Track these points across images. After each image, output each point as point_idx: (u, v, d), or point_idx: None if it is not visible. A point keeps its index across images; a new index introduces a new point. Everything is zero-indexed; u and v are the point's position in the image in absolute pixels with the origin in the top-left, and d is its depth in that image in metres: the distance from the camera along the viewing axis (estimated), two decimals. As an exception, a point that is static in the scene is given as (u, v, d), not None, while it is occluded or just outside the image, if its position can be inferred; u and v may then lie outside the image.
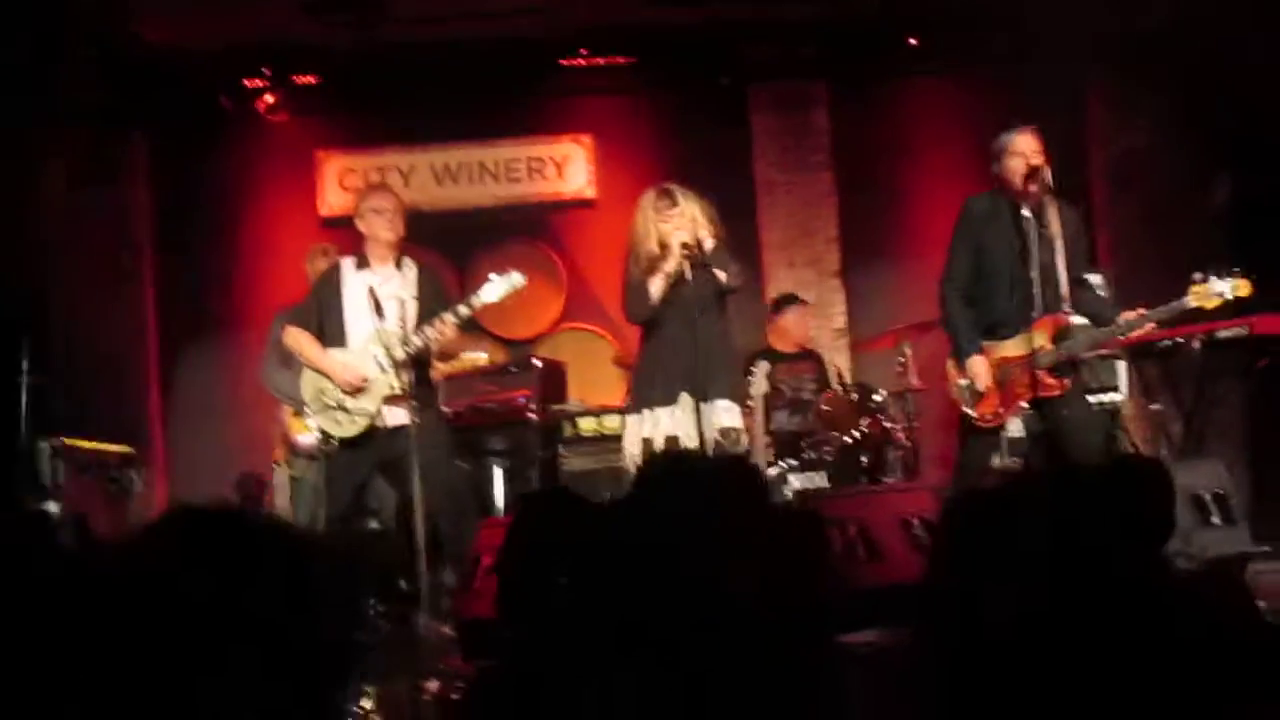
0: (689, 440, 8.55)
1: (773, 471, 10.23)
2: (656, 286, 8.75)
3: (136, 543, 2.23)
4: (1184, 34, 12.17)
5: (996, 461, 9.17)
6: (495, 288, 8.95)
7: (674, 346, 8.77)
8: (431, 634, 7.81)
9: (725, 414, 8.90)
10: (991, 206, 8.72)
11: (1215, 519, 8.44)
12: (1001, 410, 8.74)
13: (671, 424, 8.74)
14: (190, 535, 2.20)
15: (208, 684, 2.11)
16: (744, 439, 9.02)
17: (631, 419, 9.03)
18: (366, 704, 5.78)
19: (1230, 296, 8.49)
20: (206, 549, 2.18)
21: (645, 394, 8.96)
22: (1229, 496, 8.59)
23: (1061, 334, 8.52)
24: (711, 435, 8.74)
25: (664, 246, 8.80)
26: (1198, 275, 8.48)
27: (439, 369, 9.96)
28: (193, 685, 2.10)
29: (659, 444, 8.69)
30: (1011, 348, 8.59)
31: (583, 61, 12.99)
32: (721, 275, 8.85)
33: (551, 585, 3.94)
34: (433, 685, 6.24)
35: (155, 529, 2.24)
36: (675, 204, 8.86)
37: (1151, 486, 4.35)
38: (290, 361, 9.90)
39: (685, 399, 8.72)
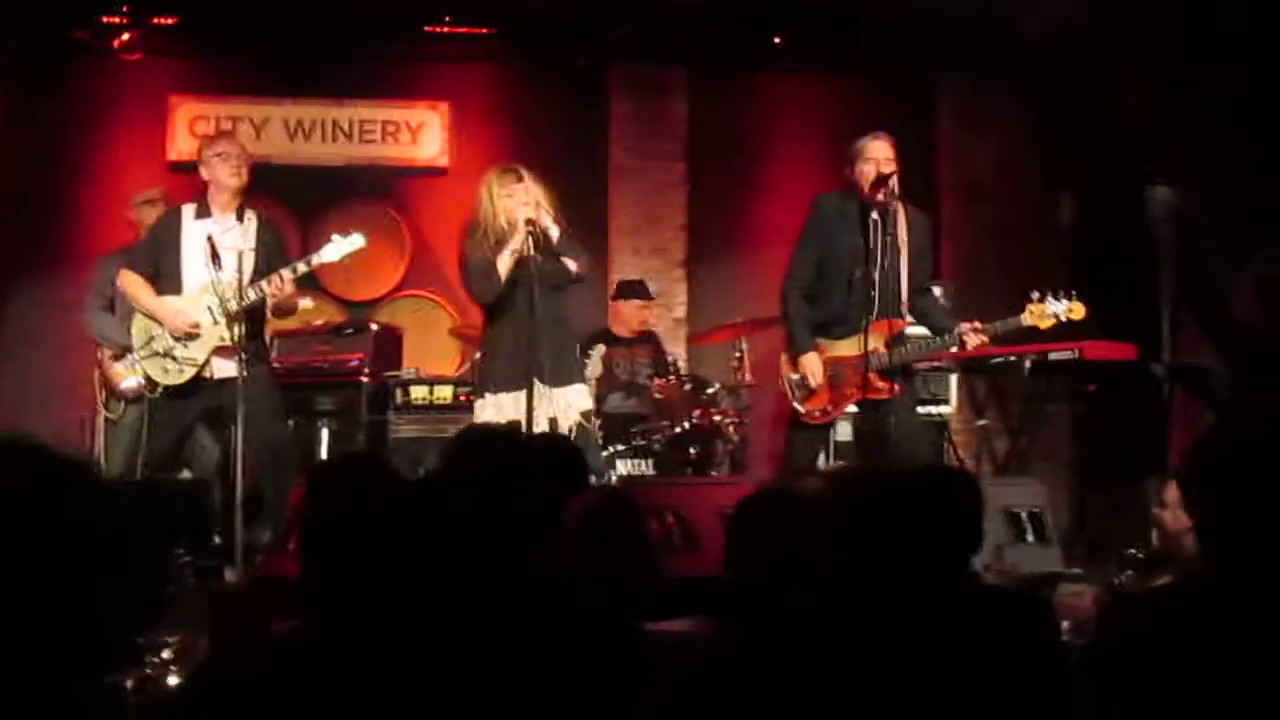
0: (536, 425, 8.51)
1: (602, 453, 10.21)
2: (504, 264, 8.68)
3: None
4: (1039, 54, 12.32)
5: (822, 461, 9.26)
6: (336, 248, 8.91)
7: (519, 330, 8.69)
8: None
9: (577, 397, 8.91)
10: (840, 206, 8.81)
11: (1029, 537, 8.55)
12: (830, 408, 8.84)
13: (515, 409, 8.68)
14: None
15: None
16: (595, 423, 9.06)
17: (478, 403, 8.96)
18: (166, 654, 5.70)
19: (1064, 318, 8.69)
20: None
21: (491, 378, 8.90)
22: (1044, 515, 8.71)
23: (896, 339, 8.62)
24: (569, 420, 8.74)
25: (510, 224, 8.73)
26: (1034, 294, 8.65)
27: (273, 324, 9.87)
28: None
29: None
30: (845, 348, 8.69)
31: (446, 28, 12.87)
32: (571, 265, 8.81)
33: (350, 548, 3.89)
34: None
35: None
36: (520, 180, 8.80)
37: (959, 494, 4.37)
38: (113, 305, 9.77)
39: (535, 383, 8.66)
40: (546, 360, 8.60)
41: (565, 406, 8.79)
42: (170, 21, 12.63)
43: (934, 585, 4.24)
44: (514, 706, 3.77)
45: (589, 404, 9.09)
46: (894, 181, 8.54)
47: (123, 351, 9.46)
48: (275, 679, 3.59)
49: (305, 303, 10.58)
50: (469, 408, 10.16)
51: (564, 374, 8.87)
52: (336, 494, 4.02)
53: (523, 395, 8.60)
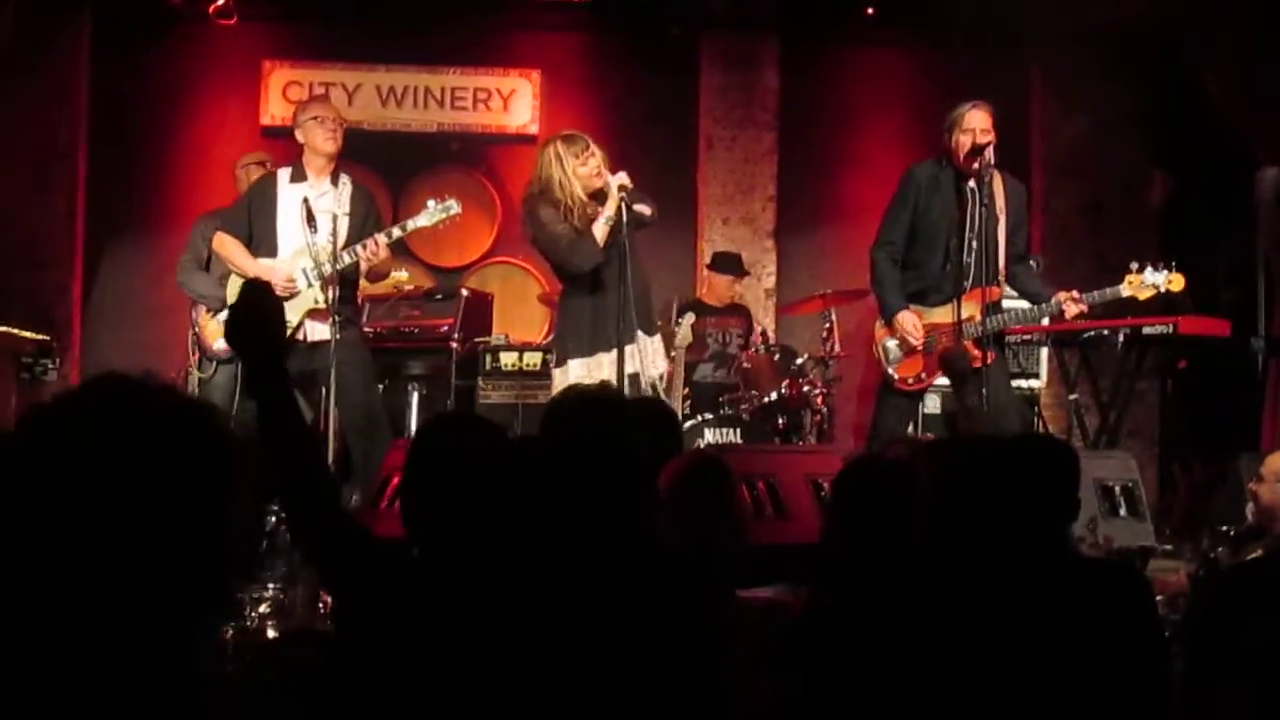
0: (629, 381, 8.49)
1: (688, 424, 10.20)
2: (600, 232, 8.61)
3: (57, 405, 2.19)
4: (1133, 30, 12.23)
5: (910, 430, 9.24)
6: (431, 214, 8.94)
7: (608, 293, 8.65)
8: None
9: (659, 353, 8.92)
10: (935, 175, 8.77)
11: (1122, 511, 8.51)
12: (924, 375, 8.82)
13: (602, 372, 8.65)
14: (118, 401, 2.17)
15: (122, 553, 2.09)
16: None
17: (559, 370, 8.92)
18: (263, 608, 5.76)
19: (1163, 289, 8.65)
20: (135, 416, 2.15)
21: (577, 343, 8.85)
22: (1137, 489, 8.67)
23: (992, 307, 8.57)
24: (652, 373, 8.73)
25: (590, 193, 8.69)
26: (1134, 264, 8.62)
27: (366, 289, 9.91)
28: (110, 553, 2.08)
29: None
30: (939, 315, 8.66)
31: (540, -4, 12.91)
32: (645, 210, 8.76)
33: (456, 505, 3.92)
34: (329, 598, 6.22)
35: (79, 394, 2.20)
36: (588, 147, 8.76)
37: (1056, 464, 4.37)
38: (208, 265, 9.84)
39: (639, 336, 8.64)
40: (639, 312, 8.59)
41: (652, 355, 8.79)
42: (266, -13, 12.70)
43: (1032, 554, 4.23)
44: (613, 663, 3.80)
45: (664, 365, 9.07)
46: (990, 152, 8.48)
47: (220, 307, 9.51)
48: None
49: (401, 274, 10.64)
50: (558, 373, 10.21)
51: (651, 323, 8.89)
52: (441, 451, 4.03)
53: (611, 357, 8.58)
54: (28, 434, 2.16)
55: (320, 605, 6.21)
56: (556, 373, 8.95)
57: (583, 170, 8.67)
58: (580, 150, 8.71)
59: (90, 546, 2.06)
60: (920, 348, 8.73)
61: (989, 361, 8.54)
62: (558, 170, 8.68)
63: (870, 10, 12.91)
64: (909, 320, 8.73)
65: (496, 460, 3.94)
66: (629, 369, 8.49)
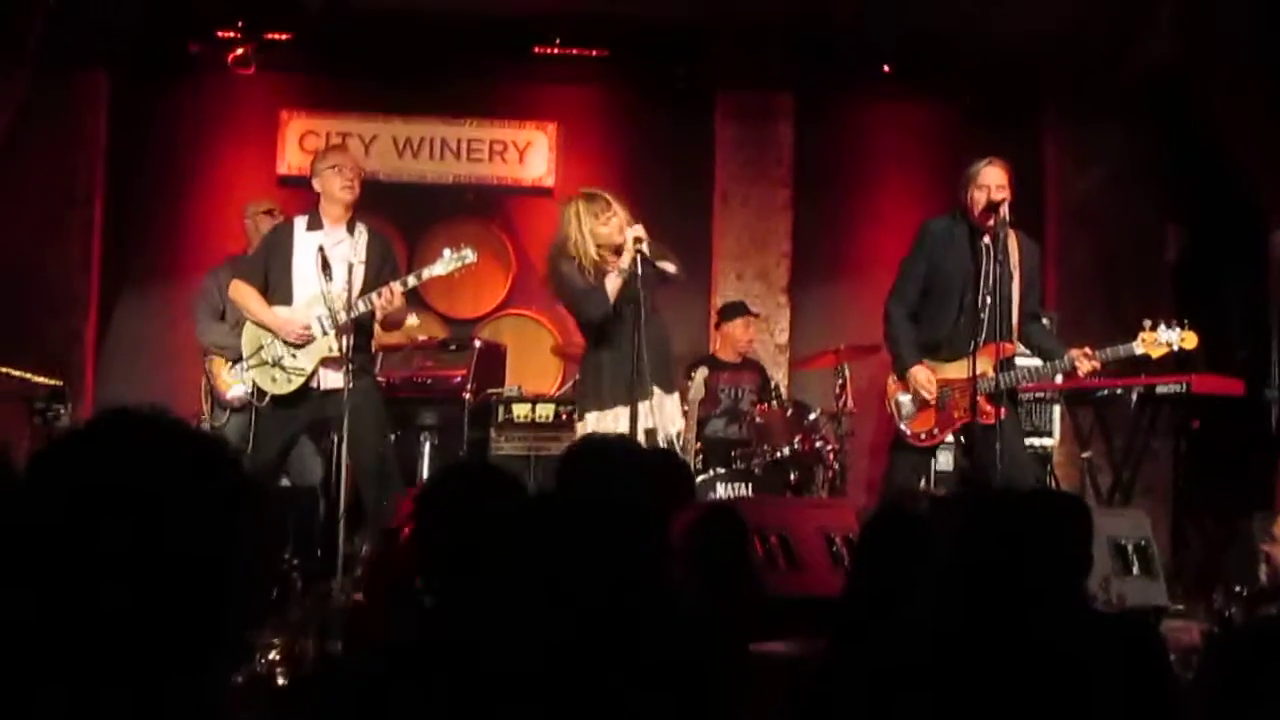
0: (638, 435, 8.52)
1: (699, 478, 10.19)
2: (613, 286, 8.66)
3: (70, 440, 2.19)
4: (1148, 86, 12.27)
5: (923, 486, 9.23)
6: (447, 262, 8.96)
7: (625, 346, 8.68)
8: (344, 597, 7.77)
9: (675, 409, 8.96)
10: (950, 229, 8.77)
11: (1135, 569, 8.47)
12: (936, 431, 8.80)
13: (620, 425, 8.67)
14: (132, 434, 2.16)
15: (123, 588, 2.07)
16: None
17: (591, 416, 8.94)
18: (273, 655, 5.74)
19: (1177, 347, 8.64)
20: (150, 448, 2.14)
21: (596, 395, 8.89)
22: (1150, 548, 8.64)
23: (1005, 363, 8.56)
24: (668, 431, 8.76)
25: (604, 249, 8.74)
26: (1147, 322, 8.62)
27: (380, 338, 9.93)
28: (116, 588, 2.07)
29: None
30: (953, 370, 8.65)
31: (556, 49, 12.92)
32: (670, 267, 8.81)
33: (470, 553, 3.93)
34: (340, 645, 6.22)
35: (90, 428, 2.20)
36: (609, 206, 8.81)
37: (1069, 519, 4.36)
38: (224, 314, 9.88)
39: (656, 392, 8.68)
40: (655, 368, 8.62)
41: (669, 415, 8.82)
42: (284, 38, 12.73)
43: (1048, 609, 4.22)
44: (626, 713, 3.78)
45: (682, 422, 9.11)
46: (1005, 209, 8.48)
47: (236, 357, 9.56)
48: (399, 679, 3.62)
49: (412, 320, 10.66)
50: (570, 425, 10.23)
51: (668, 382, 8.93)
52: (452, 503, 4.04)
53: (627, 411, 8.61)
54: (41, 469, 2.15)
55: (332, 651, 6.20)
56: (578, 426, 9.02)
57: (603, 230, 8.73)
58: (601, 209, 8.77)
59: (105, 582, 2.05)
60: (933, 403, 8.73)
61: (1002, 417, 8.53)
62: (574, 230, 8.75)
63: (886, 67, 12.94)
64: (922, 375, 8.72)
65: (509, 508, 3.94)
66: (646, 424, 8.51)
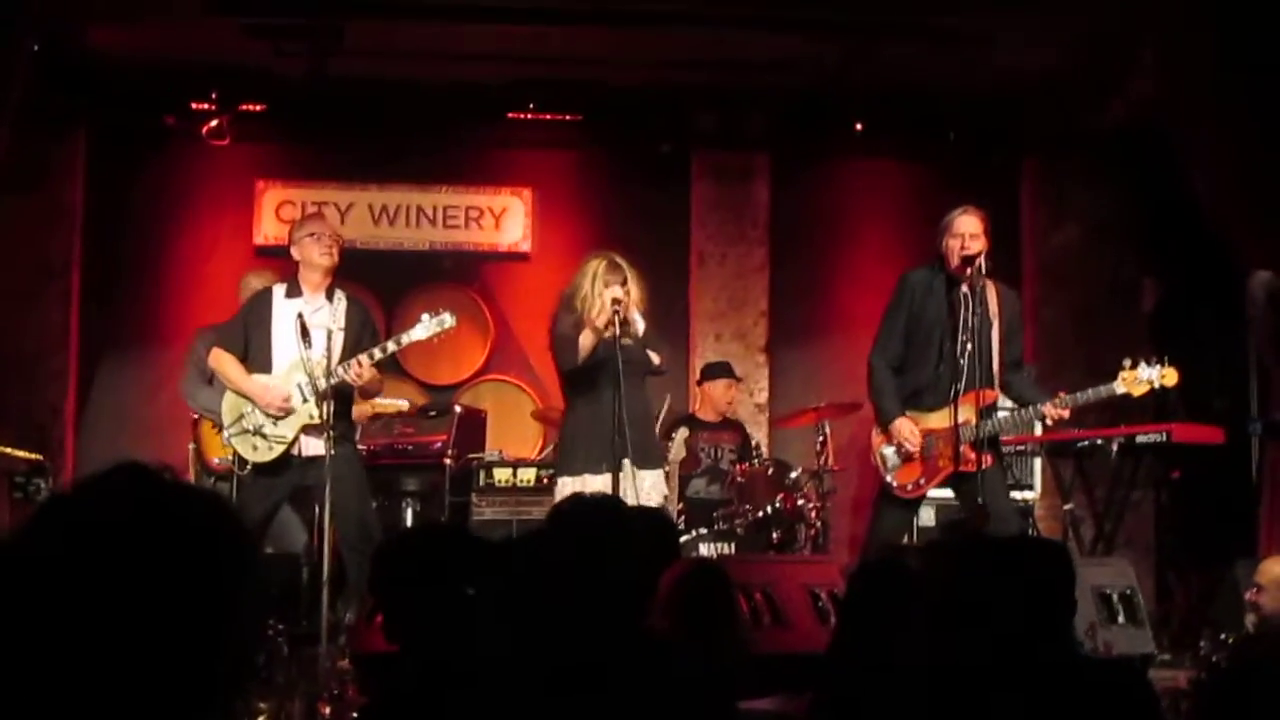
0: None
1: (682, 539, 10.18)
2: (586, 340, 8.72)
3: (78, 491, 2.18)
4: (1123, 138, 12.35)
5: (906, 540, 9.22)
6: (425, 327, 8.93)
7: (603, 412, 8.71)
8: (329, 663, 7.75)
9: (658, 482, 8.96)
10: (929, 280, 8.80)
11: (1121, 618, 8.48)
12: (923, 481, 8.79)
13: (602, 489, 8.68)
14: (137, 486, 2.16)
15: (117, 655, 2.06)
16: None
17: (563, 481, 8.96)
18: (261, 719, 5.73)
19: (1158, 384, 8.66)
20: (152, 502, 2.14)
21: (574, 459, 8.92)
22: (1136, 597, 8.64)
23: (987, 410, 8.56)
24: (649, 503, 8.75)
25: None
26: (1127, 361, 8.65)
27: (359, 408, 9.92)
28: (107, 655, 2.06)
29: None
30: (935, 419, 8.66)
31: (530, 115, 12.95)
32: (655, 358, 8.91)
33: (444, 613, 3.95)
34: (327, 710, 6.21)
35: (100, 480, 2.19)
36: (624, 281, 8.84)
37: (1052, 564, 4.38)
38: (212, 379, 9.87)
39: (624, 465, 8.69)
40: (632, 442, 8.62)
41: (648, 489, 8.81)
42: (258, 108, 12.74)
43: (1036, 655, 4.22)
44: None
45: (665, 490, 9.12)
46: (981, 259, 8.50)
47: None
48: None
49: (400, 404, 10.72)
50: (552, 490, 10.21)
51: (648, 457, 8.93)
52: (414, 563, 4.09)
53: (606, 477, 8.63)
54: (44, 520, 2.15)
55: (318, 717, 6.18)
56: (556, 490, 9.04)
57: (607, 294, 8.79)
58: (616, 279, 8.82)
59: (100, 636, 2.04)
60: (918, 454, 8.73)
61: (987, 465, 8.52)
62: (588, 285, 8.83)
63: (859, 126, 12.99)
64: (906, 427, 8.73)
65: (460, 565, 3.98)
66: (629, 494, 8.53)
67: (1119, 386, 8.69)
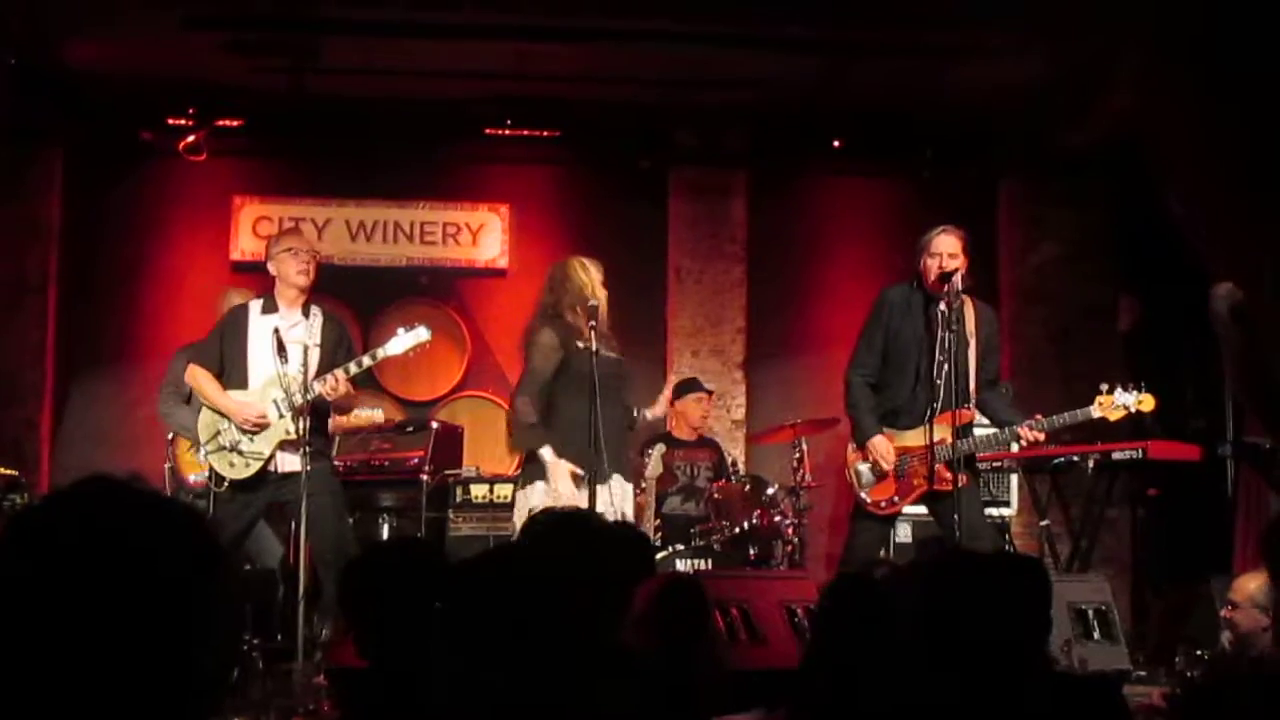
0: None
1: (659, 555, 10.18)
2: (552, 360, 8.84)
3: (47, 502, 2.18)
4: (1098, 158, 12.38)
5: (882, 555, 9.21)
6: (401, 341, 8.94)
7: (582, 420, 8.71)
8: (305, 679, 7.73)
9: (626, 491, 8.96)
10: (907, 297, 8.81)
11: (1096, 634, 8.49)
12: (897, 499, 8.78)
13: (570, 498, 8.69)
14: (107, 496, 2.15)
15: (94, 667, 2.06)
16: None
17: (527, 489, 8.98)
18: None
19: (1134, 409, 8.65)
20: (123, 509, 2.13)
21: (539, 467, 8.93)
22: (1111, 613, 8.65)
23: (963, 430, 8.55)
24: (622, 511, 8.77)
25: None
26: (1104, 386, 8.64)
27: (336, 422, 9.91)
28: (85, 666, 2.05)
29: None
30: (911, 438, 8.65)
31: (508, 131, 12.94)
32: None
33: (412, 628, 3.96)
34: (300, 725, 6.21)
35: (69, 492, 2.18)
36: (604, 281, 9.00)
37: (1027, 580, 4.37)
38: (190, 398, 9.85)
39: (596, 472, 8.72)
40: (606, 450, 8.65)
41: (619, 497, 8.82)
42: (235, 124, 12.73)
43: (1010, 672, 4.22)
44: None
45: (628, 504, 9.12)
46: (958, 277, 8.50)
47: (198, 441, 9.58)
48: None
49: (375, 414, 10.71)
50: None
51: (621, 465, 8.94)
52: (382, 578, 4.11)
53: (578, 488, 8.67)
54: (17, 531, 2.14)
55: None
56: (518, 494, 9.05)
57: (601, 292, 8.92)
58: (601, 277, 9.07)
59: (75, 647, 2.03)
60: (891, 473, 8.73)
61: (961, 485, 8.51)
62: (581, 276, 9.06)
63: (837, 143, 13.02)
64: (882, 445, 8.73)
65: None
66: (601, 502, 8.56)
67: (1095, 411, 8.68)
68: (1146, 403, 8.68)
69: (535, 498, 8.86)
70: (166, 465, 10.42)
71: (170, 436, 10.42)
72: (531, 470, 8.99)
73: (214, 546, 2.20)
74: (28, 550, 2.07)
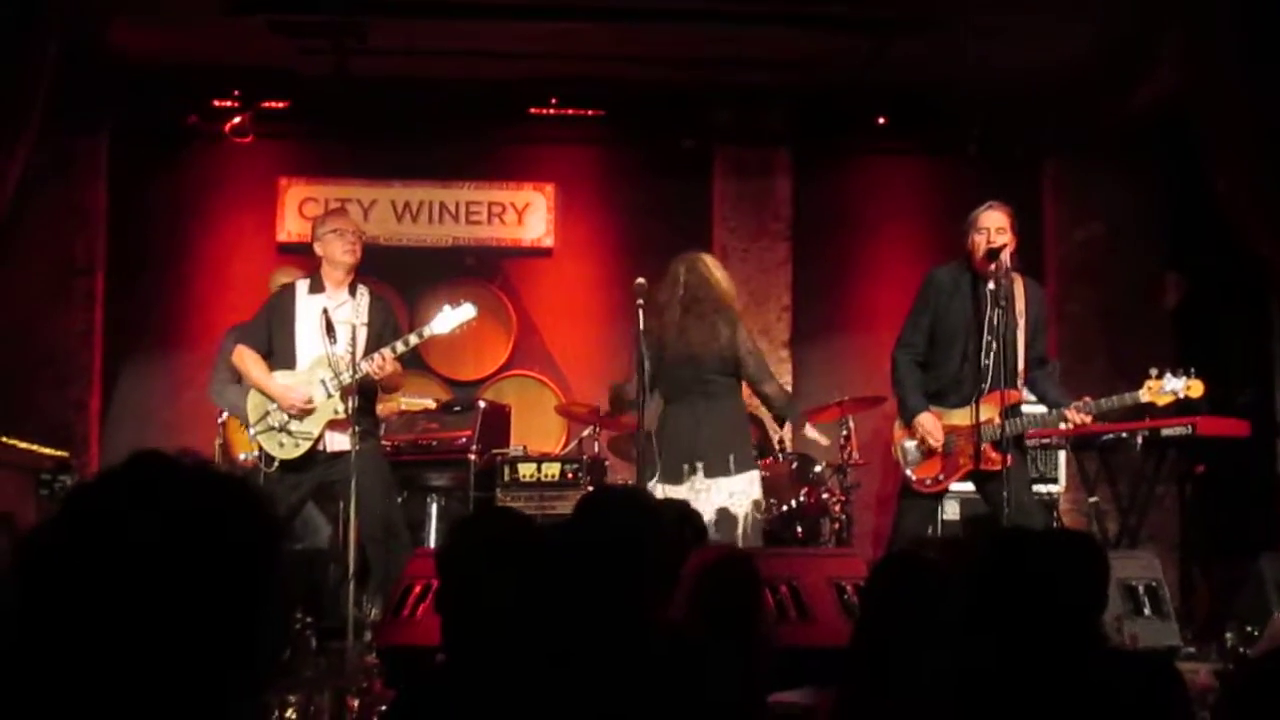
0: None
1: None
2: None
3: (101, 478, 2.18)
4: (1145, 134, 12.32)
5: (930, 532, 9.19)
6: (448, 319, 8.95)
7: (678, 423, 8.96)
8: (356, 658, 7.76)
9: (748, 485, 9.00)
10: (955, 277, 8.74)
11: (1147, 610, 8.47)
12: (942, 477, 8.74)
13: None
14: (161, 471, 2.16)
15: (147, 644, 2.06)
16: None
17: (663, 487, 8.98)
18: (290, 713, 5.74)
19: (1182, 395, 8.56)
20: (179, 481, 2.14)
21: (657, 465, 8.96)
22: (1161, 589, 8.63)
23: (1011, 410, 8.50)
24: (743, 508, 8.85)
25: None
26: (1153, 371, 8.55)
27: (386, 405, 9.94)
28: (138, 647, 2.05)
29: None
30: (958, 417, 8.60)
31: (552, 110, 12.96)
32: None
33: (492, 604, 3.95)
34: (355, 704, 6.22)
35: (123, 468, 2.19)
36: None
37: (1085, 558, 4.36)
38: (241, 377, 9.92)
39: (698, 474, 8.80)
40: (710, 449, 8.77)
41: (739, 493, 8.87)
42: (280, 106, 12.79)
43: (1066, 647, 4.21)
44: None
45: (758, 493, 9.15)
46: (1006, 254, 8.44)
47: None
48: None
49: (425, 401, 10.74)
50: (576, 484, 10.25)
51: (727, 465, 8.97)
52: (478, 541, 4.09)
53: (682, 488, 8.75)
54: (67, 514, 2.15)
55: (346, 710, 6.20)
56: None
57: None
58: None
59: (130, 621, 2.04)
60: (939, 449, 8.69)
61: (1009, 464, 8.44)
62: (721, 275, 9.36)
63: (882, 120, 13.00)
64: (929, 422, 8.68)
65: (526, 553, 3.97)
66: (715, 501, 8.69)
67: (1143, 395, 8.60)
68: (1195, 388, 8.58)
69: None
70: (217, 442, 10.45)
71: (223, 418, 10.46)
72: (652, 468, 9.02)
73: (271, 513, 2.21)
74: (80, 527, 2.08)
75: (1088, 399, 8.58)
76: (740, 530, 8.87)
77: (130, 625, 2.02)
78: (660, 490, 8.72)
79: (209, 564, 2.08)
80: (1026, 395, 8.95)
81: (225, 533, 2.11)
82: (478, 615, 3.91)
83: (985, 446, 8.41)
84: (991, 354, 8.40)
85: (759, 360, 9.23)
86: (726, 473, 8.89)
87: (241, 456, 10.08)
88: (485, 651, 3.83)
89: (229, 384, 10.15)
